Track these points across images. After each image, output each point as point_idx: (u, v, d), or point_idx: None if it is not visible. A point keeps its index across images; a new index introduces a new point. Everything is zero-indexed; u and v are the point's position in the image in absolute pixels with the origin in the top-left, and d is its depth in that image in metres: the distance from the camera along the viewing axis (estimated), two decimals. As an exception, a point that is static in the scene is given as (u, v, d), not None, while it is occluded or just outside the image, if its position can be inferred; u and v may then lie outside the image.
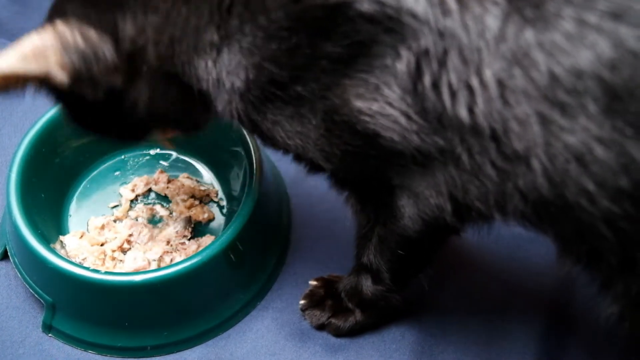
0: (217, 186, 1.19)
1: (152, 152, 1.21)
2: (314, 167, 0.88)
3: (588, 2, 0.65)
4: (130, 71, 0.81)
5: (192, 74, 0.80)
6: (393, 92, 0.73)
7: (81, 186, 1.18)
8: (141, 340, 1.03)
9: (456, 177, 0.76)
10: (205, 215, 1.15)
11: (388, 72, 0.72)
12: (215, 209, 1.16)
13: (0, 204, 1.14)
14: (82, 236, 1.11)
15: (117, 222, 1.14)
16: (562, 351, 1.04)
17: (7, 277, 1.10)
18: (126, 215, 1.15)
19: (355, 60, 0.73)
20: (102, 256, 1.09)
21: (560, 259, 0.81)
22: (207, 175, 1.20)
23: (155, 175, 1.19)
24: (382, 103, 0.73)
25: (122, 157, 1.21)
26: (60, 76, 0.79)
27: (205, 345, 1.04)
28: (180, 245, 1.11)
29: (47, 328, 1.05)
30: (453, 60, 0.69)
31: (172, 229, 1.12)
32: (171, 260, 1.08)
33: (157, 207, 1.16)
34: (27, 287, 1.05)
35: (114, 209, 1.16)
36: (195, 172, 1.20)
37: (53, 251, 1.00)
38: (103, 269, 1.07)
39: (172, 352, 1.04)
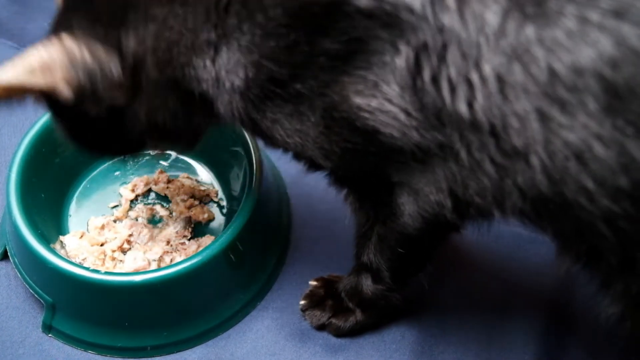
0: (217, 186, 1.19)
1: (152, 152, 1.21)
2: (313, 165, 0.87)
3: (590, 0, 0.65)
4: (133, 86, 0.81)
5: (192, 76, 0.80)
6: (392, 89, 0.73)
7: (81, 186, 1.18)
8: (141, 340, 1.03)
9: (456, 172, 0.76)
10: (205, 216, 1.15)
11: (387, 68, 0.72)
12: (215, 209, 1.16)
13: (0, 204, 1.14)
14: (82, 236, 1.11)
15: (117, 222, 1.14)
16: (562, 351, 1.04)
17: (7, 277, 1.10)
18: (126, 216, 1.15)
19: (354, 57, 0.73)
20: (102, 256, 1.09)
21: (560, 257, 0.81)
22: (207, 175, 1.20)
23: (155, 175, 1.19)
24: (381, 99, 0.73)
25: (122, 157, 1.20)
26: (66, 92, 0.78)
27: (205, 346, 1.04)
28: (180, 246, 1.11)
29: (47, 328, 1.05)
30: (452, 54, 0.69)
31: (172, 229, 1.12)
32: (171, 261, 1.08)
33: (157, 207, 1.16)
34: (27, 287, 1.05)
35: (114, 209, 1.16)
36: (195, 172, 1.20)
37: (53, 251, 1.00)
38: (103, 269, 1.07)
39: (172, 352, 1.04)
